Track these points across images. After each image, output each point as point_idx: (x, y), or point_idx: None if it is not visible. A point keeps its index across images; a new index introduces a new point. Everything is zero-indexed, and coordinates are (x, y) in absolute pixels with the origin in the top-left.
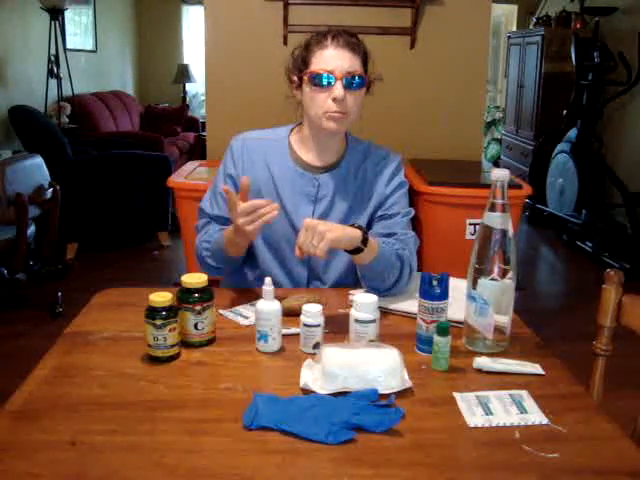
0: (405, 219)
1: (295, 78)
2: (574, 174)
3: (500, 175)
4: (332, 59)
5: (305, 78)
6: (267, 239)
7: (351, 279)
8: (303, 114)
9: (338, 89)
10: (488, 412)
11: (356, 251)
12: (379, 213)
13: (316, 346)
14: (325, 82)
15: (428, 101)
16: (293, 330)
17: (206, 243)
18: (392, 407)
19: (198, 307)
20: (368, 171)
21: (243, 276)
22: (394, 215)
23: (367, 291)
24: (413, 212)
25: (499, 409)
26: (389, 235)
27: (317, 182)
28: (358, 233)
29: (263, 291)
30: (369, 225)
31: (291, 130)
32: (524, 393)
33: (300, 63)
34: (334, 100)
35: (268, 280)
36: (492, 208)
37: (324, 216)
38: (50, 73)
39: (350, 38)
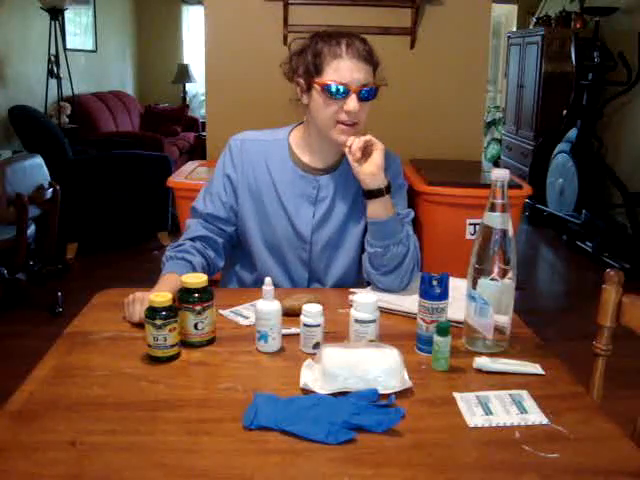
0: (405, 221)
1: (302, 81)
2: (574, 174)
3: (500, 175)
4: (348, 71)
5: (316, 86)
6: (268, 241)
7: (350, 283)
8: (308, 117)
9: (353, 102)
10: (488, 412)
11: (375, 195)
12: None
13: (316, 346)
14: (339, 94)
15: (428, 101)
16: (293, 330)
17: (172, 251)
18: (392, 407)
19: (198, 307)
20: None
21: (240, 280)
22: None
23: (368, 285)
24: (413, 213)
25: (499, 409)
26: None
27: (317, 184)
28: (385, 181)
29: (263, 291)
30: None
31: (290, 131)
32: (524, 393)
33: (312, 69)
34: (348, 112)
35: (268, 280)
36: (492, 208)
37: (324, 218)
38: (50, 73)
39: (364, 46)
